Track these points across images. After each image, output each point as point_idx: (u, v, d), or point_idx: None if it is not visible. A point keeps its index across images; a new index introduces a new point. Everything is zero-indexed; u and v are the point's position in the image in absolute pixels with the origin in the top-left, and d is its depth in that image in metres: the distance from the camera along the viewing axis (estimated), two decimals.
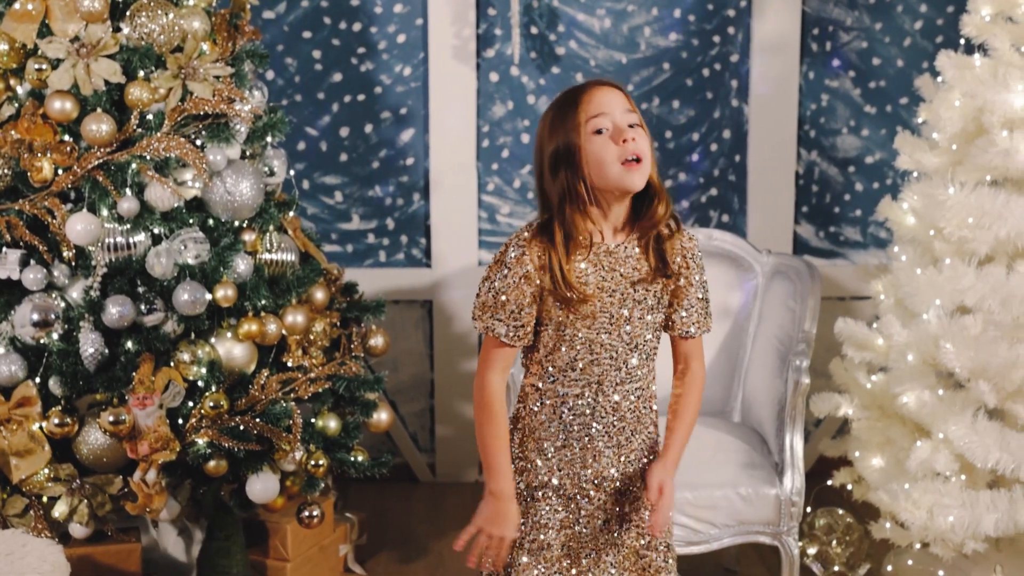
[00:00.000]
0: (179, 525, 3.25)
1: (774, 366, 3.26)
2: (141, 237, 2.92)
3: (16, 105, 2.95)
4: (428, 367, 4.20)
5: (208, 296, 2.91)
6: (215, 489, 3.02)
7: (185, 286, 2.88)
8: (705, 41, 4.07)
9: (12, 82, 2.96)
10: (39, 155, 2.87)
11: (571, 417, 2.13)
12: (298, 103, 4.04)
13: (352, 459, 3.14)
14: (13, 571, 2.50)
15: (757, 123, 4.09)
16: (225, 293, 2.92)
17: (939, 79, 3.03)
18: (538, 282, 2.06)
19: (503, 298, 2.06)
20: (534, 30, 4.02)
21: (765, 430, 3.24)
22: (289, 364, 3.05)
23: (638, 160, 2.03)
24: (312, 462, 3.03)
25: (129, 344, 2.88)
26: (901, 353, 2.99)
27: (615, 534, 2.19)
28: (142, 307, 2.88)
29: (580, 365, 2.11)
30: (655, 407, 2.22)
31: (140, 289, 2.91)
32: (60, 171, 2.90)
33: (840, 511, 3.36)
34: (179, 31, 2.94)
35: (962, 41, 2.98)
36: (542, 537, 2.16)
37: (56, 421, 2.84)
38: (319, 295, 3.17)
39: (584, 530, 2.18)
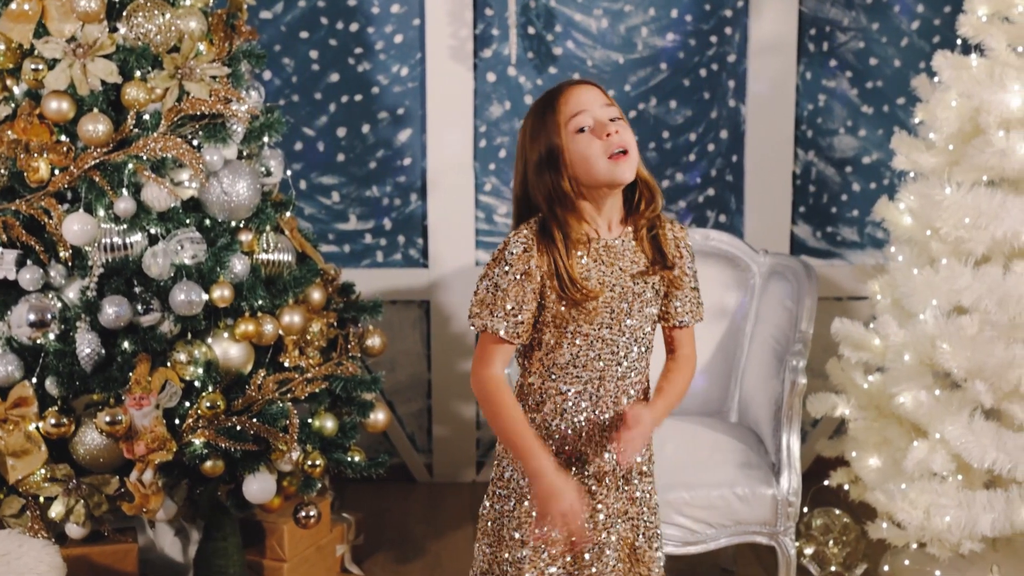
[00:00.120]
0: (176, 525, 3.24)
1: (771, 366, 3.26)
2: (137, 237, 2.91)
3: (12, 105, 2.95)
4: (425, 367, 4.19)
5: (205, 296, 2.91)
6: (212, 489, 3.02)
7: (182, 286, 2.88)
8: (702, 41, 4.06)
9: (8, 82, 2.96)
10: (35, 155, 2.87)
11: (573, 414, 2.13)
12: (295, 103, 4.04)
13: (349, 459, 3.14)
14: (9, 571, 2.50)
15: (754, 123, 4.09)
16: (222, 293, 2.92)
17: (936, 79, 3.03)
18: (539, 280, 2.05)
19: (503, 294, 2.05)
20: (531, 30, 4.02)
21: (762, 430, 3.24)
22: (286, 364, 3.05)
23: (625, 152, 2.03)
24: (309, 462, 3.02)
25: (126, 344, 2.88)
26: (898, 353, 2.99)
27: (617, 528, 2.18)
28: (138, 307, 2.88)
29: (582, 362, 2.11)
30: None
31: (136, 289, 2.91)
32: (56, 171, 2.89)
33: (837, 511, 3.35)
34: (176, 31, 2.94)
35: (959, 41, 2.98)
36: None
37: (52, 421, 2.84)
38: (316, 295, 3.17)
39: (586, 525, 2.17)
